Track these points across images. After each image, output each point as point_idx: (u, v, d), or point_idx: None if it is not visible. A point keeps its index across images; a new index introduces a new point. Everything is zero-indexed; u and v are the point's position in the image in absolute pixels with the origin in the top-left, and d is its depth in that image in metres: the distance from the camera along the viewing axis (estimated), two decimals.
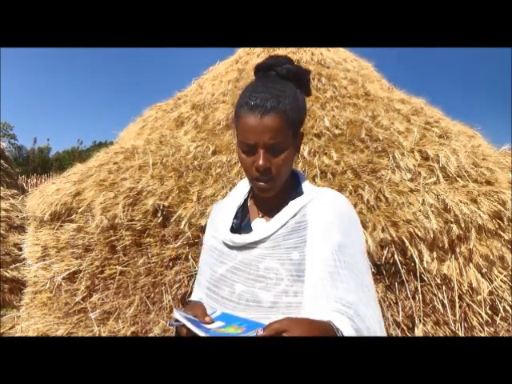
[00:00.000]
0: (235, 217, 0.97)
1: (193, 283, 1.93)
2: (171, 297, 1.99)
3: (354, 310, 0.79)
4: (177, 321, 0.83)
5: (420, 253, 1.83)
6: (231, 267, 0.90)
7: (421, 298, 1.83)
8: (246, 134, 0.84)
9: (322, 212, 0.88)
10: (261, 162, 0.83)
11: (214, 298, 0.91)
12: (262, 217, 0.95)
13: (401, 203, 1.93)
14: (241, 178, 1.17)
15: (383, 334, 0.85)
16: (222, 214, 0.99)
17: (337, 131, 2.48)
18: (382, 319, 0.88)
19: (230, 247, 0.92)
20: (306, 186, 0.96)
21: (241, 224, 0.97)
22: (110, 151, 2.84)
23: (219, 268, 0.92)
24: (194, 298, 1.06)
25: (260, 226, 0.93)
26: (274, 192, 0.90)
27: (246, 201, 1.01)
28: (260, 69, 0.95)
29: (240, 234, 0.93)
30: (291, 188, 0.95)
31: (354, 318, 0.78)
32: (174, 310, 0.83)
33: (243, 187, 1.03)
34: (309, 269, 0.83)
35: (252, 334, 0.72)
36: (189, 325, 0.77)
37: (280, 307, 0.82)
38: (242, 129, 0.85)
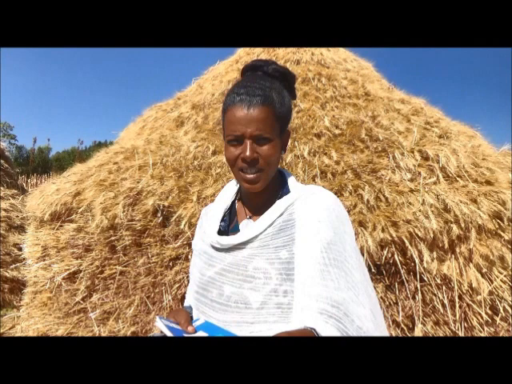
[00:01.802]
0: (222, 220, 0.97)
1: None
2: (171, 297, 1.99)
3: (343, 310, 0.76)
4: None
5: (420, 253, 1.83)
6: (220, 269, 0.89)
7: (421, 297, 1.83)
8: (232, 126, 0.85)
9: (310, 210, 0.87)
10: (248, 152, 0.83)
11: (202, 302, 0.91)
12: (250, 218, 0.95)
13: (401, 203, 1.93)
14: None
15: (380, 330, 0.82)
16: (210, 217, 0.99)
17: (337, 131, 2.48)
18: (380, 316, 0.86)
19: (218, 250, 0.92)
20: (293, 184, 0.96)
21: (229, 227, 0.96)
22: (109, 151, 2.84)
23: (208, 271, 0.92)
24: (186, 303, 1.05)
25: (247, 226, 0.92)
26: (262, 185, 0.89)
27: (233, 203, 1.01)
28: (247, 69, 0.96)
29: (226, 234, 0.93)
30: (278, 187, 0.95)
31: (342, 319, 0.75)
32: (157, 317, 0.81)
33: (230, 190, 1.03)
34: (298, 267, 0.82)
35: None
36: (170, 335, 0.76)
37: (270, 308, 0.81)
38: (229, 121, 0.86)
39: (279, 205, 0.90)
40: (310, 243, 0.83)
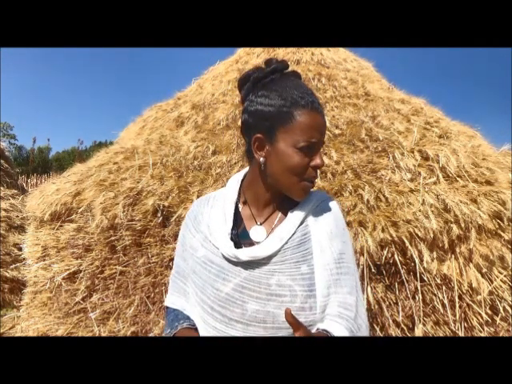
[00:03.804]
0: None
1: None
2: None
3: (355, 311, 0.84)
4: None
5: (420, 253, 1.83)
6: (236, 285, 0.83)
7: (421, 297, 1.82)
8: (311, 132, 0.81)
9: (323, 221, 0.89)
10: (321, 160, 0.84)
11: (219, 320, 0.84)
12: (261, 224, 0.90)
13: (401, 203, 1.93)
14: None
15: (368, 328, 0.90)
16: (215, 222, 0.91)
17: (337, 131, 2.48)
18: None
19: (234, 263, 0.85)
20: None
21: (237, 232, 0.90)
22: (109, 151, 2.84)
23: (223, 286, 0.84)
24: (174, 305, 0.98)
25: (261, 235, 0.88)
26: None
27: (236, 207, 0.94)
28: (277, 70, 0.89)
29: (237, 243, 0.87)
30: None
31: (354, 319, 0.83)
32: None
33: (232, 191, 0.95)
34: (319, 282, 0.84)
35: None
36: None
37: None
38: (306, 125, 0.81)
39: (295, 217, 0.87)
40: (325, 255, 0.86)
